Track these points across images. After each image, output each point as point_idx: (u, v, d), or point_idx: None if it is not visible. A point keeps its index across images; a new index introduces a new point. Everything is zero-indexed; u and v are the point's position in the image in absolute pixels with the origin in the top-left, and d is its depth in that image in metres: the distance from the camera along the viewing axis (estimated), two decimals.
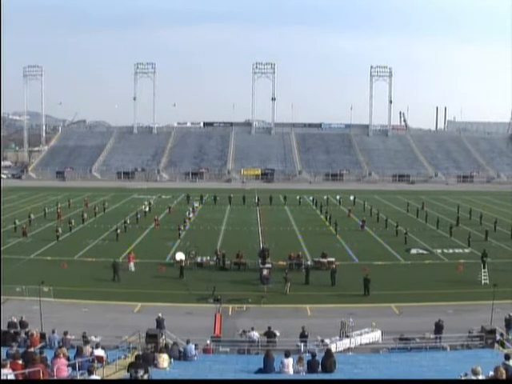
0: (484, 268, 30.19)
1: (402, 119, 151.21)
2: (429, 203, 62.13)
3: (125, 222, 45.20)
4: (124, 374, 13.75)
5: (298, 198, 64.55)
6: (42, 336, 18.59)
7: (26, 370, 12.05)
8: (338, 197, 65.57)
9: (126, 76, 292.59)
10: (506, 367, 10.59)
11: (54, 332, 18.39)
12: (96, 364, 13.77)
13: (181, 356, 16.94)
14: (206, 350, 18.70)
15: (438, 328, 20.49)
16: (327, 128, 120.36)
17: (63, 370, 13.07)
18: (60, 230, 41.17)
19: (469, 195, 74.58)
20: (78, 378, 13.09)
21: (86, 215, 49.30)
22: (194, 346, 17.12)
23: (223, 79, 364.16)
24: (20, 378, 11.75)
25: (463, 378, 10.85)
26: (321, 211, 56.56)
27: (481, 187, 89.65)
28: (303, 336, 19.52)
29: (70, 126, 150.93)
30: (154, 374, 13.25)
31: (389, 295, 27.19)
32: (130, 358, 15.85)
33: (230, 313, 24.69)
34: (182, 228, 43.55)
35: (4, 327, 19.01)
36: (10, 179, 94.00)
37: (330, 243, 40.02)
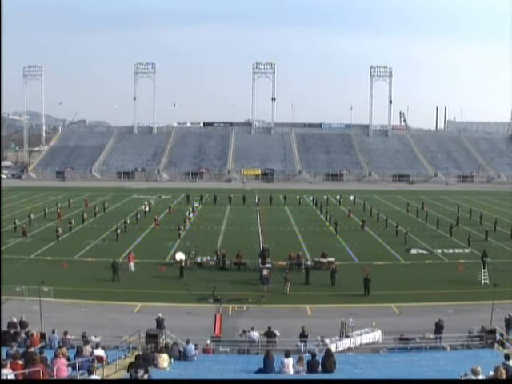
0: (484, 268, 30.19)
1: (402, 119, 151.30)
2: (429, 203, 62.13)
3: (125, 222, 45.20)
4: (124, 374, 13.75)
5: (298, 198, 64.55)
6: (42, 336, 18.59)
7: (26, 370, 12.05)
8: (338, 197, 65.55)
9: (126, 76, 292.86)
10: (506, 367, 10.59)
11: (54, 332, 18.39)
12: (96, 364, 13.77)
13: (181, 356, 16.94)
14: (206, 350, 18.70)
15: (438, 328, 20.49)
16: (327, 128, 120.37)
17: (63, 369, 13.07)
18: (60, 230, 41.17)
19: (469, 195, 74.58)
20: (78, 377, 13.09)
21: (85, 215, 49.31)
22: (193, 346, 17.13)
23: (223, 79, 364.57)
24: (20, 378, 11.75)
25: (463, 378, 10.85)
26: (321, 211, 56.55)
27: (481, 187, 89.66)
28: (303, 336, 19.53)
29: (70, 125, 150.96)
30: (154, 374, 13.25)
31: (389, 295, 27.19)
32: (130, 358, 15.85)
33: (230, 313, 24.69)
34: (182, 228, 43.55)
35: (4, 327, 19.01)
36: (9, 179, 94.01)
37: (330, 243, 40.03)
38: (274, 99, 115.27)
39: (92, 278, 29.98)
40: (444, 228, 45.63)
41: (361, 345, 20.22)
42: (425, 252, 37.69)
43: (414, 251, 37.82)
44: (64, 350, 14.55)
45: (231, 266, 32.53)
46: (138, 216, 50.15)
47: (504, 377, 9.86)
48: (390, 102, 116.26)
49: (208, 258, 33.52)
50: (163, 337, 19.11)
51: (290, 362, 14.15)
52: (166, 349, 16.41)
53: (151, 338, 18.09)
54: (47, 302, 23.49)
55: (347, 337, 20.40)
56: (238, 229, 46.69)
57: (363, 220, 47.73)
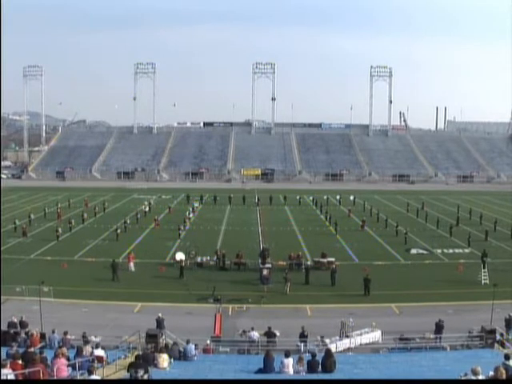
0: (484, 268, 30.19)
1: (402, 119, 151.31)
2: (429, 203, 62.14)
3: (125, 222, 45.21)
4: (124, 374, 13.75)
5: (297, 198, 64.56)
6: (42, 336, 18.60)
7: (26, 370, 12.05)
8: (338, 197, 65.55)
9: (126, 76, 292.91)
10: (506, 367, 10.59)
11: (54, 332, 18.39)
12: (96, 364, 13.78)
13: (181, 356, 16.95)
14: (206, 350, 18.71)
15: (439, 328, 20.49)
16: (327, 128, 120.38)
17: (63, 369, 13.07)
18: (60, 230, 41.17)
19: (469, 195, 74.59)
20: (78, 378, 13.09)
21: (85, 215, 49.31)
22: (194, 346, 17.13)
23: (223, 79, 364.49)
24: (20, 378, 11.74)
25: (463, 378, 10.85)
26: (321, 211, 56.55)
27: (481, 187, 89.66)
28: (303, 336, 19.53)
29: (70, 125, 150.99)
30: (154, 374, 13.25)
31: (389, 295, 27.19)
32: (130, 358, 15.85)
33: (230, 313, 24.69)
34: (182, 228, 43.55)
35: (4, 327, 19.01)
36: (9, 179, 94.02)
37: (330, 243, 40.03)
38: (274, 99, 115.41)
39: (92, 278, 29.98)
40: (444, 228, 45.63)
41: (361, 345, 20.22)
42: (425, 252, 37.69)
43: (413, 251, 37.83)
44: (64, 349, 14.55)
45: (231, 266, 32.52)
46: (138, 216, 50.16)
47: (504, 377, 9.86)
48: (390, 102, 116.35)
49: (208, 257, 33.52)
50: (163, 337, 19.11)
51: (289, 361, 14.16)
52: (166, 349, 16.40)
53: (151, 337, 18.09)
54: (47, 301, 23.49)
55: (347, 337, 20.40)
56: (238, 229, 46.69)
57: (363, 220, 47.73)
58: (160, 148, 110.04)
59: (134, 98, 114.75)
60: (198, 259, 33.22)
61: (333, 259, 32.43)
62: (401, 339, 19.97)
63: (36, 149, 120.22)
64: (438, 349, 19.36)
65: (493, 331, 19.30)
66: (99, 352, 15.72)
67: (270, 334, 19.45)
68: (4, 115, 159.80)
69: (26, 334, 18.54)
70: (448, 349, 19.25)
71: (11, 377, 11.27)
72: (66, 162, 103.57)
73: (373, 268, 31.73)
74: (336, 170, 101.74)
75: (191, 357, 16.78)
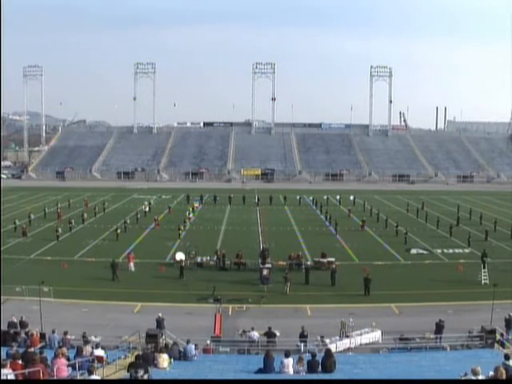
0: (484, 268, 30.18)
1: (402, 119, 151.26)
2: (429, 203, 62.13)
3: (125, 222, 45.21)
4: (124, 374, 13.76)
5: (298, 198, 64.58)
6: (42, 336, 18.60)
7: (26, 370, 12.05)
8: (338, 197, 65.56)
9: (126, 76, 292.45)
10: (506, 367, 10.59)
11: (54, 332, 18.40)
12: (96, 364, 13.78)
13: (181, 356, 16.95)
14: (206, 350, 18.71)
15: (439, 328, 20.49)
16: (327, 128, 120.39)
17: (63, 369, 13.08)
18: (60, 230, 41.17)
19: (469, 195, 74.60)
20: (78, 378, 13.10)
21: (85, 215, 49.31)
22: (194, 346, 17.14)
23: (223, 79, 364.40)
24: (20, 378, 11.75)
25: (463, 378, 10.85)
26: (321, 211, 56.55)
27: (481, 187, 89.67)
28: (303, 336, 19.53)
29: (70, 125, 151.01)
30: (154, 374, 13.25)
31: (389, 295, 27.18)
32: (130, 358, 15.86)
33: (229, 313, 24.68)
34: (182, 228, 43.55)
35: (4, 327, 19.01)
36: (10, 179, 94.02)
37: (330, 243, 40.03)
38: (274, 99, 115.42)
39: (92, 277, 29.97)
40: (444, 228, 45.62)
41: (361, 345, 20.22)
42: (425, 252, 37.69)
43: (414, 251, 37.83)
44: (64, 349, 14.56)
45: (231, 266, 32.52)
46: (138, 216, 50.17)
47: (504, 377, 9.86)
48: (390, 101, 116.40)
49: (208, 257, 33.52)
50: (163, 337, 19.12)
51: (289, 362, 14.16)
52: (166, 349, 16.41)
53: (151, 337, 18.09)
54: (47, 301, 23.50)
55: (347, 337, 20.40)
56: (238, 229, 46.69)
57: (363, 220, 47.73)
58: (160, 148, 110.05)
59: (134, 98, 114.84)
60: (198, 259, 33.21)
61: (333, 259, 32.43)
62: (401, 339, 19.97)
63: (36, 149, 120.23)
64: (438, 349, 19.36)
65: (493, 331, 19.30)
66: (99, 352, 15.72)
67: (270, 334, 19.45)
68: (4, 115, 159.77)
69: (26, 334, 18.54)
70: (448, 349, 19.26)
71: (11, 377, 11.27)
72: (65, 162, 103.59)
73: (373, 268, 31.72)
74: (336, 169, 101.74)
75: (191, 357, 16.79)
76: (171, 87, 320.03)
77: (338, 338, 20.30)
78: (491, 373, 10.31)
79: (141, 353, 15.36)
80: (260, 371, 14.40)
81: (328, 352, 14.69)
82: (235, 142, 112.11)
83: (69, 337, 18.09)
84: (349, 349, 19.79)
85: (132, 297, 26.67)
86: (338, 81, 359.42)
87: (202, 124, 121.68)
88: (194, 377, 14.25)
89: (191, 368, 15.67)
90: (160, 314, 21.18)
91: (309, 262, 32.59)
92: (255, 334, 19.86)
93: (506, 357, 11.73)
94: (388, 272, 32.28)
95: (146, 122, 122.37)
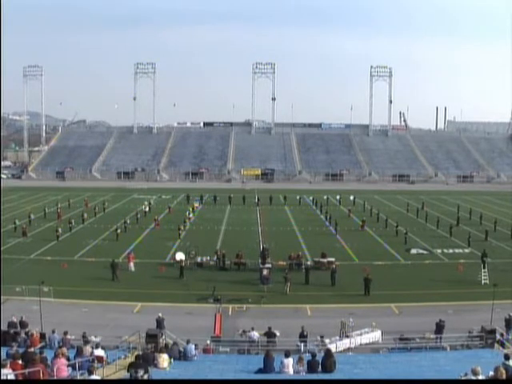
0: (484, 268, 30.18)
1: (402, 119, 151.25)
2: (429, 203, 62.12)
3: (125, 222, 45.21)
4: (124, 374, 13.76)
5: (298, 198, 64.60)
6: (42, 336, 18.60)
7: (26, 370, 12.05)
8: (338, 197, 65.56)
9: (126, 76, 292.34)
10: (506, 367, 10.59)
11: (54, 332, 18.40)
12: (96, 364, 13.77)
13: (181, 356, 16.95)
14: (206, 350, 18.71)
15: (439, 328, 20.49)
16: (327, 128, 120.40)
17: (63, 369, 13.07)
18: (60, 230, 41.17)
19: (469, 195, 74.60)
20: (78, 378, 13.09)
21: (85, 215, 49.31)
22: (194, 346, 17.13)
23: (223, 79, 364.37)
24: (20, 378, 11.75)
25: (463, 378, 10.86)
26: (321, 211, 56.55)
27: (481, 187, 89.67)
28: (302, 336, 19.53)
29: (70, 125, 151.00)
30: (154, 374, 13.25)
31: (389, 295, 27.18)
32: (130, 358, 15.86)
33: (229, 313, 24.69)
34: (182, 228, 43.55)
35: (4, 327, 19.01)
36: (10, 179, 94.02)
37: (330, 243, 40.03)
38: (274, 99, 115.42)
39: (92, 277, 29.97)
40: (444, 228, 45.62)
41: (361, 345, 20.22)
42: (425, 252, 37.69)
43: (414, 251, 37.83)
44: (64, 349, 14.56)
45: (231, 266, 32.52)
46: (138, 216, 50.17)
47: (504, 377, 9.86)
48: (390, 101, 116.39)
49: (208, 258, 33.52)
50: (163, 337, 19.11)
51: (289, 362, 14.16)
52: (166, 349, 16.41)
53: (151, 337, 18.09)
54: (47, 301, 23.50)
55: (347, 337, 20.40)
56: (238, 229, 46.70)
57: (363, 220, 47.73)
58: (160, 148, 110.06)
59: (134, 98, 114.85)
60: (198, 259, 33.21)
61: (333, 259, 32.43)
62: (401, 339, 19.97)
63: (36, 149, 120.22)
64: (438, 349, 19.36)
65: (493, 331, 19.30)
66: (99, 352, 15.72)
67: (270, 334, 19.45)
68: (4, 115, 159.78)
69: (26, 334, 18.54)
70: (448, 349, 19.26)
71: (11, 377, 11.27)
72: (65, 162, 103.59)
73: (373, 268, 31.72)
74: (336, 169, 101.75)
75: (191, 357, 16.79)
76: (171, 87, 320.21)
77: (337, 337, 20.30)
78: (491, 373, 10.31)
79: (141, 353, 15.35)
80: (260, 371, 14.40)
81: (328, 352, 14.69)
82: (235, 142, 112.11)
83: (69, 337, 18.09)
84: (349, 349, 19.79)
85: (132, 297, 26.67)
86: (338, 81, 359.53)
87: (202, 124, 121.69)
88: (194, 377, 14.25)
89: (191, 368, 15.67)
90: (160, 314, 21.18)
91: (309, 262, 32.59)
92: (255, 334, 19.86)
93: (506, 357, 11.72)
94: (388, 272, 32.28)
95: (146, 122, 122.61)
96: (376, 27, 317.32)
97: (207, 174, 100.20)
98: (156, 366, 14.68)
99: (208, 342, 19.24)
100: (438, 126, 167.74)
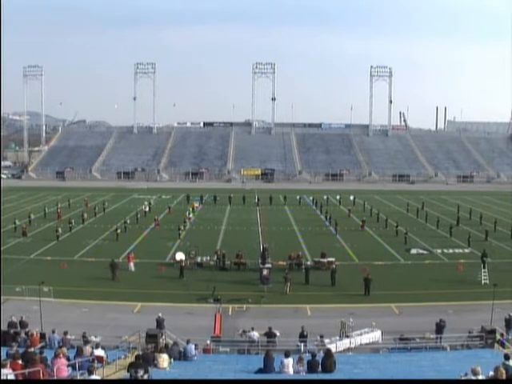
0: (484, 268, 30.19)
1: (402, 119, 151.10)
2: (429, 203, 62.13)
3: (125, 222, 45.22)
4: (124, 374, 13.76)
5: (298, 198, 64.60)
6: (42, 336, 18.61)
7: (26, 370, 12.05)
8: (338, 197, 65.56)
9: (126, 76, 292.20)
10: (506, 367, 10.59)
11: (54, 332, 18.40)
12: (96, 364, 13.77)
13: (181, 356, 16.95)
14: (206, 350, 18.72)
15: (440, 328, 20.49)
16: (327, 128, 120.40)
17: (63, 370, 13.08)
18: (60, 230, 41.17)
19: (469, 195, 74.60)
20: (78, 378, 13.10)
21: (85, 215, 49.32)
22: (194, 346, 17.14)
23: (223, 79, 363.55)
24: (20, 378, 11.75)
25: (463, 378, 10.85)
26: (321, 211, 56.56)
27: (481, 187, 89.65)
28: (302, 336, 19.53)
29: (70, 125, 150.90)
30: (154, 374, 13.25)
31: (389, 295, 27.19)
32: (130, 358, 15.87)
33: (230, 313, 24.69)
34: (182, 228, 43.56)
35: (4, 327, 19.01)
36: (10, 179, 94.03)
37: (330, 243, 40.03)
38: (274, 99, 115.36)
39: (92, 277, 29.97)
40: (444, 228, 45.62)
41: (361, 345, 20.23)
42: (425, 252, 37.70)
43: (414, 251, 37.83)
44: (64, 349, 14.56)
45: (231, 266, 32.52)
46: (138, 216, 50.19)
47: (504, 377, 9.86)
48: (390, 101, 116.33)
49: (208, 257, 33.52)
50: (163, 337, 19.11)
51: (289, 362, 14.16)
52: (166, 349, 16.40)
53: (151, 337, 18.09)
54: (47, 301, 23.50)
55: (347, 337, 20.40)
56: (238, 229, 46.70)
57: (363, 220, 47.73)
58: (160, 148, 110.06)
59: (134, 98, 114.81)
60: (198, 259, 33.22)
61: (333, 259, 32.43)
62: (401, 339, 19.97)
63: (36, 149, 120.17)
64: (438, 349, 19.36)
65: (493, 331, 19.30)
66: (99, 352, 15.72)
67: (270, 335, 19.45)
68: (4, 115, 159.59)
69: (26, 334, 18.55)
70: (448, 349, 19.26)
71: (11, 377, 11.28)
72: (65, 162, 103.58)
73: (373, 268, 31.71)
74: (336, 170, 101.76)
75: (191, 357, 16.79)
76: (171, 87, 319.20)
77: (337, 337, 20.30)
78: (491, 373, 10.31)
79: (141, 353, 15.35)
80: (260, 371, 14.40)
81: (328, 352, 14.69)
82: (235, 142, 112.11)
83: (69, 337, 18.09)
84: (349, 349, 19.79)
85: (132, 297, 26.67)
86: (338, 81, 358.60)
87: (202, 124, 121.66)
88: (194, 377, 14.25)
89: (191, 368, 15.67)
90: (160, 314, 21.19)
91: (309, 262, 32.59)
92: (255, 334, 19.86)
93: (506, 357, 11.72)
94: (388, 272, 32.28)
95: (146, 122, 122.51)
96: (376, 27, 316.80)
97: (207, 173, 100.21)
98: (156, 366, 14.67)
99: (208, 342, 19.25)
100: (438, 126, 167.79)
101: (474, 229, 45.25)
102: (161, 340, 18.44)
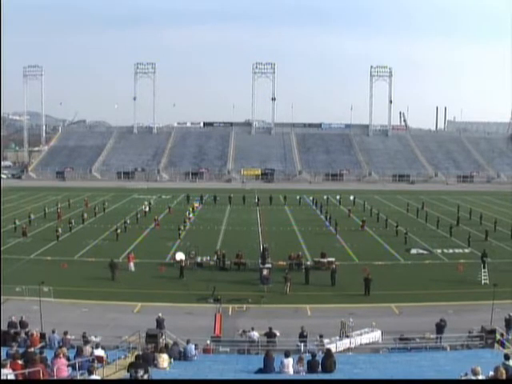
0: (484, 268, 30.19)
1: (402, 119, 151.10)
2: (429, 203, 62.13)
3: (125, 222, 45.22)
4: (124, 374, 13.76)
5: (298, 197, 64.61)
6: (42, 336, 18.60)
7: (26, 370, 12.05)
8: (338, 197, 65.57)
9: (126, 76, 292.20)
10: (506, 367, 10.59)
11: (54, 332, 18.40)
12: (96, 364, 13.77)
13: (181, 356, 16.95)
14: (206, 350, 18.72)
15: (440, 328, 20.48)
16: (327, 128, 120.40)
17: (63, 370, 13.08)
18: (60, 230, 41.17)
19: (469, 195, 74.60)
20: (78, 378, 13.10)
21: (85, 215, 49.32)
22: (194, 346, 17.14)
23: (223, 79, 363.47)
24: (20, 378, 11.75)
25: (463, 378, 10.85)
26: (321, 211, 56.56)
27: (481, 187, 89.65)
28: (302, 336, 19.53)
29: (70, 125, 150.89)
30: (154, 374, 13.25)
31: (389, 295, 27.19)
32: (130, 358, 15.86)
33: (230, 313, 24.69)
34: (182, 228, 43.56)
35: (4, 327, 19.01)
36: (10, 179, 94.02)
37: (330, 243, 40.02)
38: (274, 99, 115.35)
39: (92, 277, 29.97)
40: (444, 228, 45.62)
41: (361, 345, 20.22)
42: (425, 252, 37.70)
43: (414, 251, 37.83)
44: (64, 349, 14.55)
45: (231, 266, 32.52)
46: (138, 216, 50.19)
47: (504, 377, 9.86)
48: (390, 101, 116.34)
49: (208, 258, 33.52)
50: (163, 337, 19.11)
51: (289, 362, 14.16)
52: (166, 349, 16.41)
53: (151, 337, 18.09)
54: (47, 301, 23.50)
55: (347, 337, 20.40)
56: (238, 229, 46.70)
57: (363, 220, 47.73)
58: (160, 148, 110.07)
59: (134, 98, 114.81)
60: (198, 259, 33.22)
61: (333, 259, 32.43)
62: (401, 339, 19.97)
63: (36, 149, 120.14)
64: (438, 349, 19.36)
65: (493, 331, 19.30)
66: (99, 352, 15.72)
67: (270, 335, 19.45)
68: (4, 115, 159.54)
69: (26, 334, 18.54)
70: (448, 349, 19.26)
71: (11, 377, 11.28)
72: (65, 162, 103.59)
73: (373, 268, 31.71)
74: (336, 170, 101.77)
75: (191, 357, 16.79)
76: (171, 87, 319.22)
77: (337, 337, 20.30)
78: (491, 373, 10.31)
79: (141, 353, 15.35)
80: (260, 371, 14.40)
81: (328, 352, 14.69)
82: (235, 142, 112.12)
83: (69, 337, 18.09)
84: (349, 349, 19.79)
85: (132, 297, 26.67)
86: (338, 81, 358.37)
87: (202, 124, 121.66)
88: (194, 377, 14.25)
89: (191, 368, 15.67)
90: (160, 314, 21.19)
91: (309, 262, 32.58)
92: (255, 334, 19.86)
93: (506, 357, 11.73)
94: (388, 272, 32.28)
95: (146, 122, 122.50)
96: (376, 27, 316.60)
97: (207, 173, 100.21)
98: (156, 366, 14.68)
99: (208, 342, 19.25)
100: (438, 126, 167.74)
101: (474, 229, 45.25)
102: (161, 340, 18.44)
